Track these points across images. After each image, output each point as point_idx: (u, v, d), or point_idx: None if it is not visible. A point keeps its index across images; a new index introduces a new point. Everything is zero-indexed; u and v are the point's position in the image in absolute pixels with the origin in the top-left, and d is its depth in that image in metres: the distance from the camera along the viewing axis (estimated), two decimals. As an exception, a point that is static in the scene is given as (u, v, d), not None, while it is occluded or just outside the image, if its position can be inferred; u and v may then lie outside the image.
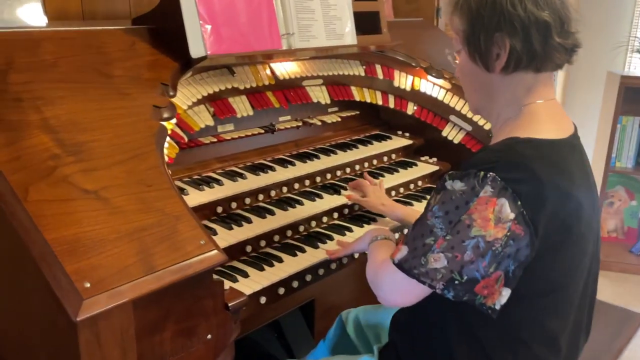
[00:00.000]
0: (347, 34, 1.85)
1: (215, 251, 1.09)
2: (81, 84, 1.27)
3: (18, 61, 1.23)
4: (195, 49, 1.46)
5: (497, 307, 1.03)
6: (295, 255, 1.55)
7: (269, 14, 1.63)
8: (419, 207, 1.89)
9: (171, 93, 1.40)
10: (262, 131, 1.88)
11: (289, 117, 1.99)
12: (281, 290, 1.46)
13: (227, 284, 1.30)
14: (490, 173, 0.99)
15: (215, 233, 1.49)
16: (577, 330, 1.19)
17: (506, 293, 1.02)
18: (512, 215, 0.98)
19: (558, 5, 1.08)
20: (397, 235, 1.77)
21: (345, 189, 1.83)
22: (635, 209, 3.83)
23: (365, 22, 1.95)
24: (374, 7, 1.98)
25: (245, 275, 1.43)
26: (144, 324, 1.01)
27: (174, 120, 1.40)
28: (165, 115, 1.33)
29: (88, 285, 0.92)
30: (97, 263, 0.96)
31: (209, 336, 1.14)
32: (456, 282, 1.01)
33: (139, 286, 0.97)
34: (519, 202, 0.98)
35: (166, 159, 1.29)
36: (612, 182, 3.74)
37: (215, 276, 1.13)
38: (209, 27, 1.49)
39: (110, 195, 1.07)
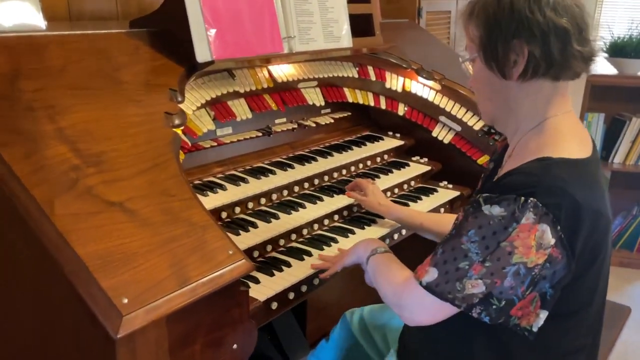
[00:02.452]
0: (344, 37, 1.86)
1: (244, 260, 1.09)
2: (92, 91, 1.23)
3: (26, 67, 1.18)
4: (202, 54, 1.44)
5: (535, 329, 1.04)
6: (302, 259, 1.55)
7: (271, 17, 1.62)
8: (414, 208, 1.92)
9: (179, 99, 1.38)
10: (260, 134, 1.87)
11: (284, 120, 1.98)
12: (291, 295, 1.46)
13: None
14: (532, 199, 0.98)
15: (223, 239, 1.47)
16: (597, 335, 1.22)
17: (543, 315, 1.04)
18: (552, 241, 0.98)
19: (577, 12, 1.07)
20: (396, 237, 1.80)
21: (343, 191, 1.84)
22: (599, 201, 3.98)
23: (359, 24, 1.96)
24: (368, 9, 1.99)
25: (256, 281, 1.42)
26: (176, 337, 1.00)
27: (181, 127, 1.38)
28: (177, 122, 1.31)
29: (126, 301, 0.90)
30: (132, 278, 0.94)
31: (235, 346, 1.13)
32: (494, 306, 1.01)
33: (174, 299, 0.96)
34: (559, 227, 0.98)
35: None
36: (578, 176, 3.87)
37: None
38: (213, 31, 1.47)
39: (136, 207, 1.05)
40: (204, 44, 1.45)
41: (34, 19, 1.39)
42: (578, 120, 1.17)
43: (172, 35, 1.48)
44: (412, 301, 1.11)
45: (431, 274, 1.06)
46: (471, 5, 1.15)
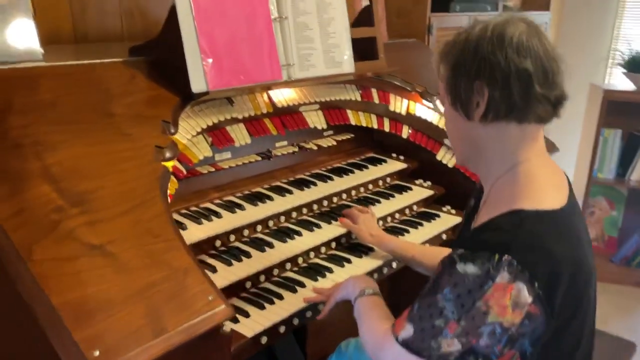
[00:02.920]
0: (346, 62, 1.84)
1: (224, 306, 1.08)
2: (82, 125, 1.23)
3: (16, 101, 1.18)
4: (197, 85, 1.43)
5: None
6: (295, 291, 1.53)
7: (270, 44, 1.61)
8: (415, 234, 1.89)
9: (172, 130, 1.37)
10: (259, 158, 1.86)
11: (285, 143, 1.97)
12: (282, 329, 1.44)
13: (229, 326, 1.28)
14: (506, 256, 0.96)
15: (215, 270, 1.46)
16: None
17: None
18: (530, 299, 0.96)
19: (542, 54, 1.05)
20: (394, 265, 1.77)
21: (342, 217, 1.81)
22: (615, 218, 3.91)
23: (363, 48, 1.93)
24: (371, 32, 1.96)
25: (246, 315, 1.41)
26: (152, 386, 0.99)
27: (174, 157, 1.37)
28: (168, 155, 1.30)
29: (97, 353, 0.89)
30: (106, 327, 0.93)
31: (216, 389, 1.12)
32: None
33: (149, 350, 0.95)
34: (536, 284, 0.96)
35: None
36: (593, 192, 3.81)
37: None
38: (210, 60, 1.46)
39: (117, 250, 1.04)
40: (200, 74, 1.44)
41: (31, 47, 1.39)
42: (553, 163, 1.15)
43: (169, 64, 1.47)
44: (390, 355, 1.09)
45: (408, 330, 1.04)
46: (443, 45, 1.14)
